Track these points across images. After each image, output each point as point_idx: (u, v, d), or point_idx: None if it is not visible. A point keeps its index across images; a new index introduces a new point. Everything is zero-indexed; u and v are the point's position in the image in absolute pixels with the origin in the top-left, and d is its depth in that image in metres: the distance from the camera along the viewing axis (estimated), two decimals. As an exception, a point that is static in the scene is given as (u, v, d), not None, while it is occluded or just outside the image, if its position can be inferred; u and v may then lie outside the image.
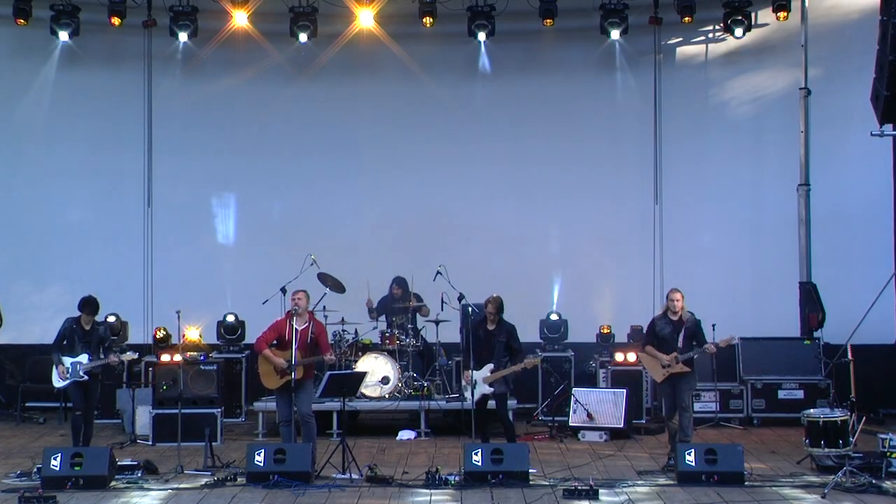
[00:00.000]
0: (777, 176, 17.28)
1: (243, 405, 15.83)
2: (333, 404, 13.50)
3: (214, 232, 17.86)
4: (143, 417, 14.43)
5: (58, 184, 17.76)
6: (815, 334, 15.90)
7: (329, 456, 12.01)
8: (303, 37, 16.95)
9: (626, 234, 17.65)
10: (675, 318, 12.41)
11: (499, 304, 13.01)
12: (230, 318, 16.12)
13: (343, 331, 14.98)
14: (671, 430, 12.44)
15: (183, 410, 13.16)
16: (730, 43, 17.32)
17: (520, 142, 17.80)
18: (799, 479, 11.59)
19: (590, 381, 15.58)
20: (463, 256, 16.18)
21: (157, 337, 16.06)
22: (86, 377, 12.49)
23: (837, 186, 16.95)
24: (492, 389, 12.83)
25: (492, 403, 12.96)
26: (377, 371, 14.61)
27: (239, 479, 11.47)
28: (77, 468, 11.20)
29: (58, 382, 12.61)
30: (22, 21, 16.83)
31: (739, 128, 17.54)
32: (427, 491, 11.09)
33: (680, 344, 12.30)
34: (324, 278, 14.68)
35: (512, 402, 14.56)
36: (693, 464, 11.32)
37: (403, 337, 14.99)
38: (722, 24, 16.98)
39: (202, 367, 14.45)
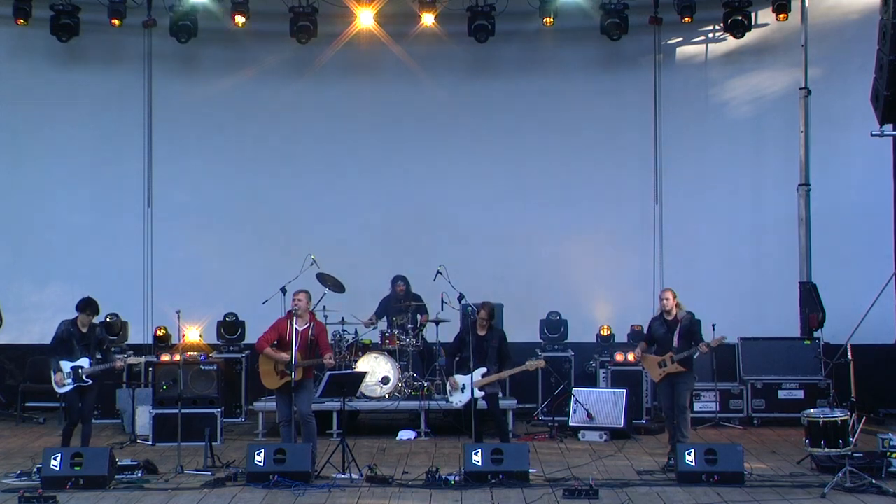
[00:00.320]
0: (777, 176, 17.27)
1: (243, 405, 15.84)
2: (333, 404, 13.52)
3: (214, 232, 17.82)
4: (143, 417, 14.44)
5: (58, 184, 17.74)
6: (816, 334, 15.89)
7: (329, 456, 12.02)
8: (303, 37, 16.94)
9: (626, 234, 17.64)
10: (669, 318, 12.43)
11: (491, 310, 13.17)
12: (230, 318, 16.14)
13: (343, 331, 15.00)
14: (671, 431, 12.46)
15: (183, 410, 13.13)
16: (730, 43, 17.30)
17: (520, 142, 17.80)
18: (799, 479, 11.58)
19: (590, 381, 15.57)
20: (463, 256, 16.18)
21: (157, 336, 16.07)
22: (89, 381, 12.28)
23: (837, 186, 16.95)
24: (482, 393, 12.87)
25: (482, 404, 12.97)
26: (377, 371, 14.62)
27: (239, 479, 11.47)
28: (77, 468, 11.20)
29: (59, 388, 12.28)
30: (22, 21, 16.79)
31: (739, 128, 17.52)
32: (427, 491, 11.09)
33: (675, 343, 12.31)
34: (323, 278, 14.67)
35: (512, 402, 14.61)
36: (693, 464, 11.32)
37: (403, 337, 14.99)
38: (722, 24, 16.97)
39: (202, 367, 14.45)
